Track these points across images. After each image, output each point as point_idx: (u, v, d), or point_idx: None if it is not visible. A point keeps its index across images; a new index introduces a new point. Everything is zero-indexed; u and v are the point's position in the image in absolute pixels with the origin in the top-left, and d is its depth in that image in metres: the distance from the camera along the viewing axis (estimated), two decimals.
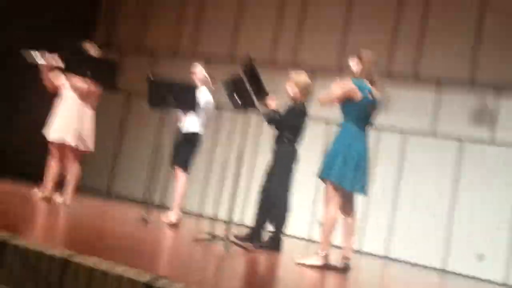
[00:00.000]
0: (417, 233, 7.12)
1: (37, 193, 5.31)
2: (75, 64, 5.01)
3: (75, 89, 5.25)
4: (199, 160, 6.49)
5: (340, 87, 4.24)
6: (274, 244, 4.90)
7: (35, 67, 5.22)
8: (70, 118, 5.21)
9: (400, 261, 7.02)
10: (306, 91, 5.05)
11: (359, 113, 4.22)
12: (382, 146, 7.43)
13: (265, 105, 4.89)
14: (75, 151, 5.24)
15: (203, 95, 5.53)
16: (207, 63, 6.27)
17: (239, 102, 4.62)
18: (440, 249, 6.97)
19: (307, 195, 7.25)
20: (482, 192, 6.89)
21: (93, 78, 5.07)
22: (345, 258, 4.21)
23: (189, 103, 5.17)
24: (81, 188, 5.55)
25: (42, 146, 5.35)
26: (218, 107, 6.15)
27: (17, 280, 2.56)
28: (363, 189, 4.23)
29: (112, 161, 9.32)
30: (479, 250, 6.70)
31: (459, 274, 6.67)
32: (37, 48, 5.26)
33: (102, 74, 5.11)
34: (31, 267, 2.55)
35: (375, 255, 7.13)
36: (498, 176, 6.85)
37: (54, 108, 5.33)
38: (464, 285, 6.07)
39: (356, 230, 4.42)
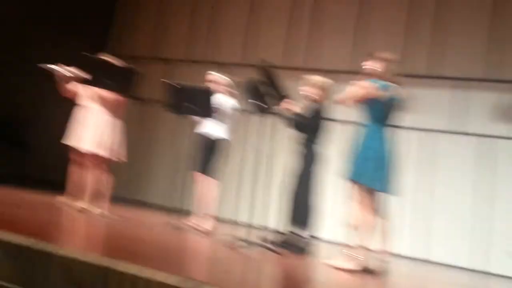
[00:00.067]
0: (451, 234, 7.04)
1: (62, 200, 5.38)
2: (98, 77, 5.07)
3: (103, 100, 5.31)
4: (226, 166, 6.50)
5: (360, 87, 4.24)
6: (301, 247, 4.91)
7: (53, 76, 5.30)
8: (102, 129, 5.27)
9: (437, 263, 6.92)
10: (325, 91, 5.08)
11: (380, 113, 4.22)
12: (401, 145, 7.43)
13: (284, 108, 4.93)
14: (107, 162, 5.30)
15: (227, 101, 5.55)
16: (222, 69, 6.33)
17: (258, 106, 4.68)
18: (478, 249, 6.88)
19: (333, 197, 7.24)
20: None
21: (115, 88, 5.13)
22: (380, 260, 4.18)
23: (206, 109, 5.22)
24: (111, 197, 5.59)
25: (66, 155, 5.42)
26: (243, 111, 6.19)
27: None
28: (389, 189, 4.22)
29: (134, 169, 9.39)
30: None
31: (499, 275, 6.56)
32: (55, 61, 5.37)
33: (122, 82, 5.17)
34: (71, 277, 2.59)
35: (410, 258, 7.05)
36: None
37: (74, 117, 5.39)
38: (504, 286, 5.99)
39: (391, 232, 4.37)
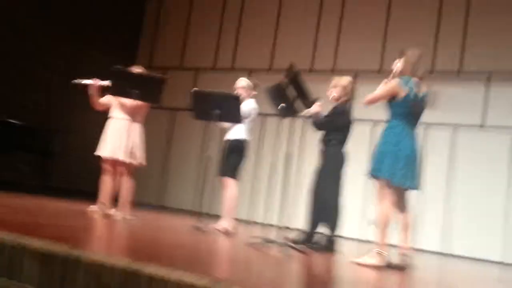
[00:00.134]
0: (473, 227, 6.98)
1: (95, 209, 5.49)
2: (122, 86, 5.16)
3: (123, 106, 5.41)
4: (247, 167, 6.56)
5: (386, 85, 4.24)
6: (329, 245, 4.90)
7: (85, 89, 5.42)
8: (120, 135, 5.37)
9: (458, 257, 6.89)
10: (347, 90, 5.07)
11: (405, 110, 4.20)
12: (432, 142, 7.35)
13: (311, 111, 4.94)
14: (127, 166, 5.39)
15: (248, 103, 5.59)
16: (250, 76, 6.37)
17: (284, 109, 4.68)
18: (498, 242, 6.81)
19: (357, 195, 7.23)
20: None
21: (140, 97, 5.21)
22: (403, 255, 4.17)
23: (233, 114, 5.26)
24: (134, 202, 5.69)
25: (98, 164, 5.53)
26: (262, 113, 6.22)
27: None
28: (414, 185, 4.20)
29: (161, 174, 9.52)
30: None
31: None
32: (85, 74, 5.48)
33: (148, 90, 5.25)
34: (100, 282, 2.58)
35: (432, 252, 7.02)
36: None
37: (106, 128, 5.51)
38: None
39: (412, 227, 4.36)
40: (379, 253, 4.10)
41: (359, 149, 6.86)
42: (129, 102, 5.36)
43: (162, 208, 9.24)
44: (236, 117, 5.28)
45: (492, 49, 7.34)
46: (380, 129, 4.47)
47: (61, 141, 8.07)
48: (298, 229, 5.44)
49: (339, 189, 4.99)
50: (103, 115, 5.58)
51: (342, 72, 6.06)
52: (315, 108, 4.95)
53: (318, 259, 4.47)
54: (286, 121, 4.87)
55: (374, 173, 4.19)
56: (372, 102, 4.31)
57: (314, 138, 5.32)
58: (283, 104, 4.64)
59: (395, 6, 8.09)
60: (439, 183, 7.28)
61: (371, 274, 3.89)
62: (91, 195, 5.93)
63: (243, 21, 9.39)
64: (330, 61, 8.46)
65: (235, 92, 5.61)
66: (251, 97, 5.68)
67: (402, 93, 4.17)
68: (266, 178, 7.92)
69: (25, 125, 7.58)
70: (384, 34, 8.06)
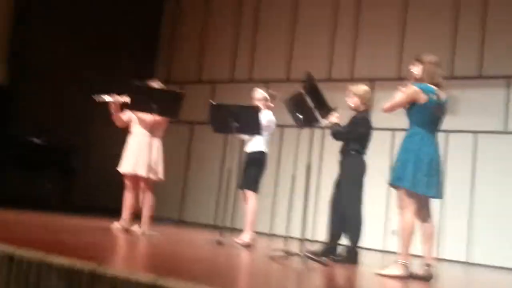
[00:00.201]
0: (496, 235, 6.85)
1: (117, 225, 5.51)
2: (140, 101, 5.20)
3: (142, 121, 5.44)
4: (268, 179, 6.54)
5: (404, 92, 4.20)
6: (351, 257, 4.84)
7: (106, 105, 5.47)
8: (139, 150, 5.39)
9: (483, 266, 6.76)
10: (366, 100, 5.04)
11: (425, 117, 4.15)
12: (453, 149, 7.25)
13: (328, 119, 4.90)
14: (148, 181, 5.41)
15: (266, 115, 5.59)
16: (265, 86, 6.38)
17: (302, 120, 4.66)
18: None
19: (378, 205, 7.15)
20: None
21: (159, 112, 5.24)
22: (427, 265, 4.10)
23: (252, 126, 5.26)
24: (155, 217, 5.70)
25: (120, 180, 5.56)
26: (280, 125, 6.21)
27: None
28: (437, 193, 4.14)
29: (181, 188, 9.55)
30: None
31: None
32: (104, 90, 5.53)
33: (167, 105, 5.28)
34: None
35: (455, 261, 6.90)
36: None
37: (126, 143, 5.55)
38: None
39: (435, 236, 4.30)
40: (403, 264, 4.03)
41: (379, 158, 6.79)
42: (148, 117, 5.39)
43: (182, 222, 9.25)
44: (255, 129, 5.28)
45: (509, 51, 7.24)
46: (400, 137, 4.43)
47: (82, 157, 8.15)
48: (319, 241, 5.39)
49: (360, 199, 4.94)
50: (123, 130, 5.62)
51: (359, 80, 6.02)
52: (334, 119, 4.92)
53: (340, 271, 4.42)
54: (306, 132, 4.85)
55: (396, 182, 4.14)
56: (391, 109, 4.27)
57: (334, 149, 5.28)
58: (300, 115, 4.62)
59: (411, 11, 8.04)
60: (462, 191, 7.16)
61: (395, 286, 3.83)
62: (114, 211, 5.96)
63: (259, 32, 9.42)
64: (347, 70, 8.43)
65: (252, 103, 5.61)
66: (269, 109, 5.68)
67: (422, 100, 4.13)
68: (286, 190, 7.88)
69: (46, 143, 7.68)
70: (401, 40, 8.01)
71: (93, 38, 8.98)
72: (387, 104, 4.27)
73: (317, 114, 4.61)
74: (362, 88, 5.09)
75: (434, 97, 4.15)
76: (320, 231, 6.08)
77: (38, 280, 2.80)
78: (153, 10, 10.38)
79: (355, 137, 4.96)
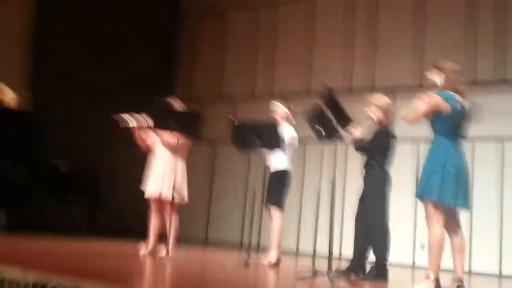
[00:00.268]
0: None
1: (143, 247, 5.50)
2: (162, 121, 5.22)
3: (166, 144, 5.46)
4: (291, 197, 6.48)
5: (425, 101, 4.10)
6: (380, 273, 4.74)
7: (128, 128, 5.51)
8: (164, 172, 5.40)
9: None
10: (389, 112, 4.98)
11: (450, 126, 4.05)
12: (480, 157, 7.09)
13: (350, 132, 4.84)
14: (172, 203, 5.40)
15: (286, 131, 5.56)
16: (284, 100, 6.34)
17: (323, 133, 4.62)
18: None
19: (406, 218, 7.00)
20: None
21: (180, 131, 5.26)
22: (458, 279, 3.98)
23: (273, 141, 5.25)
24: (181, 238, 5.69)
25: (144, 202, 5.57)
26: (303, 140, 6.16)
27: None
28: (465, 204, 4.03)
29: (206, 208, 9.53)
30: None
31: None
32: (126, 110, 5.57)
33: (188, 126, 5.30)
34: None
35: (488, 274, 6.70)
36: None
37: (148, 164, 5.56)
38: None
39: (465, 249, 4.19)
40: (434, 279, 3.92)
41: (404, 169, 6.68)
42: (172, 139, 5.41)
43: (207, 242, 9.21)
44: (276, 143, 5.26)
45: None
46: (424, 147, 4.33)
47: (107, 181, 8.21)
48: (347, 259, 5.29)
49: (386, 213, 4.85)
50: (146, 152, 5.64)
51: (380, 90, 5.95)
52: (356, 133, 4.85)
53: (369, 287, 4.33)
54: (328, 146, 4.79)
55: (423, 194, 4.04)
56: (415, 119, 4.16)
57: (357, 163, 5.21)
58: (321, 128, 4.57)
59: (430, 18, 7.95)
60: (490, 201, 6.98)
61: None
62: (141, 234, 5.96)
63: (278, 46, 9.43)
64: (368, 79, 8.36)
65: (272, 117, 5.62)
66: (291, 124, 5.65)
67: (445, 109, 4.03)
68: (311, 206, 7.80)
69: (73, 170, 7.78)
70: (421, 47, 7.92)
71: (111, 53, 9.07)
72: (411, 114, 4.16)
73: (337, 126, 4.55)
74: (384, 100, 5.01)
75: (458, 106, 4.06)
76: (347, 247, 5.97)
77: None
78: (170, 29, 10.50)
79: (378, 150, 4.89)
